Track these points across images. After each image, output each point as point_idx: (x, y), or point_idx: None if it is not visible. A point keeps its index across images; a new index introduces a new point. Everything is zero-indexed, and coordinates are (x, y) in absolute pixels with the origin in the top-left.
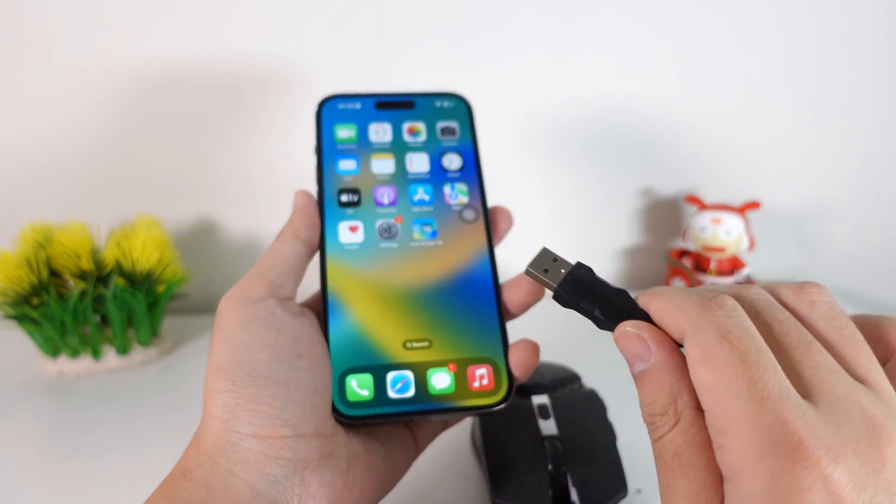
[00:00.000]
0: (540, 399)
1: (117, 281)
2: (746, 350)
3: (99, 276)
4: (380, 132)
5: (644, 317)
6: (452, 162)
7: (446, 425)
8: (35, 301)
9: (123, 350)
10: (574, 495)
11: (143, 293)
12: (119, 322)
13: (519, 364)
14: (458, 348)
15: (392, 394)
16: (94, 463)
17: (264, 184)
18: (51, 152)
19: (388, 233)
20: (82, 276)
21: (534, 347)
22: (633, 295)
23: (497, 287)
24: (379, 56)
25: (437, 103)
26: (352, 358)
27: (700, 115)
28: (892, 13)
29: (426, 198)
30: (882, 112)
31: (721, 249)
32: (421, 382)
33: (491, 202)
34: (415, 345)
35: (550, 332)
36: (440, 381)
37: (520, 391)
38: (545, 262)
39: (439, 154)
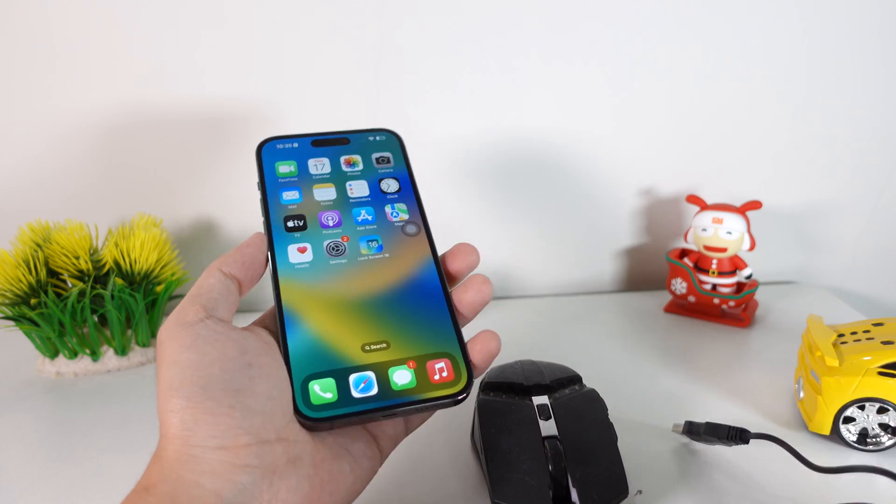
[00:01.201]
0: (540, 399)
1: (116, 281)
2: None
3: (97, 276)
4: (318, 165)
5: None
6: (390, 186)
7: (408, 430)
8: (33, 301)
9: (122, 351)
10: (574, 496)
11: (141, 293)
12: (117, 322)
13: (481, 352)
14: (415, 346)
15: (356, 393)
16: (93, 463)
17: None
18: (49, 152)
19: (336, 250)
20: (80, 276)
21: (493, 335)
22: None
23: (446, 289)
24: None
25: (370, 137)
26: (312, 365)
27: (701, 115)
28: (892, 14)
29: (369, 217)
30: (883, 113)
31: (722, 249)
32: (383, 380)
33: (493, 201)
34: (373, 347)
35: (551, 333)
36: (401, 377)
37: (520, 391)
38: None
39: (377, 180)
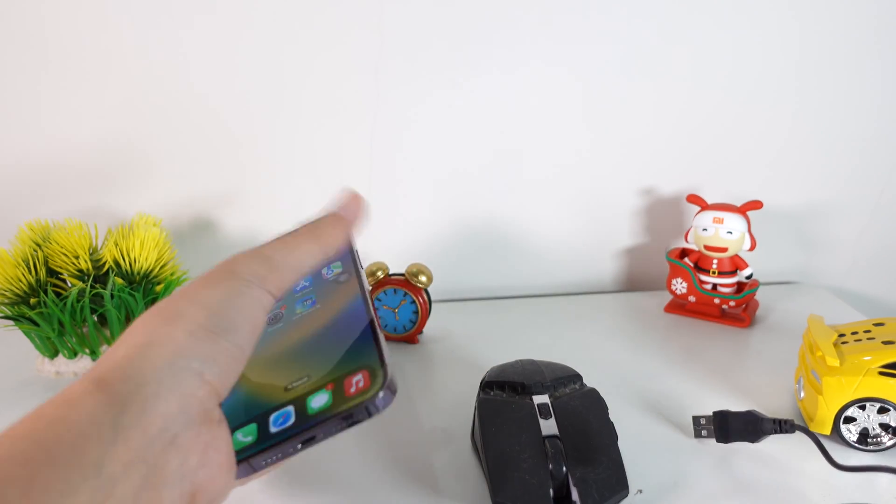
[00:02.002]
0: (541, 398)
1: (115, 280)
2: None
3: (97, 275)
4: None
5: None
6: None
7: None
8: (33, 301)
9: None
10: (575, 495)
11: (141, 293)
12: (117, 322)
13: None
14: (335, 370)
15: (273, 428)
16: None
17: (264, 183)
18: (49, 151)
19: (274, 320)
20: (80, 275)
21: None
22: None
23: (369, 311)
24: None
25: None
26: (237, 418)
27: (701, 115)
28: (891, 14)
29: (306, 284)
30: (883, 113)
31: (723, 249)
32: (301, 409)
33: (493, 201)
34: (295, 384)
35: (551, 333)
36: (318, 400)
37: (521, 390)
38: None
39: None
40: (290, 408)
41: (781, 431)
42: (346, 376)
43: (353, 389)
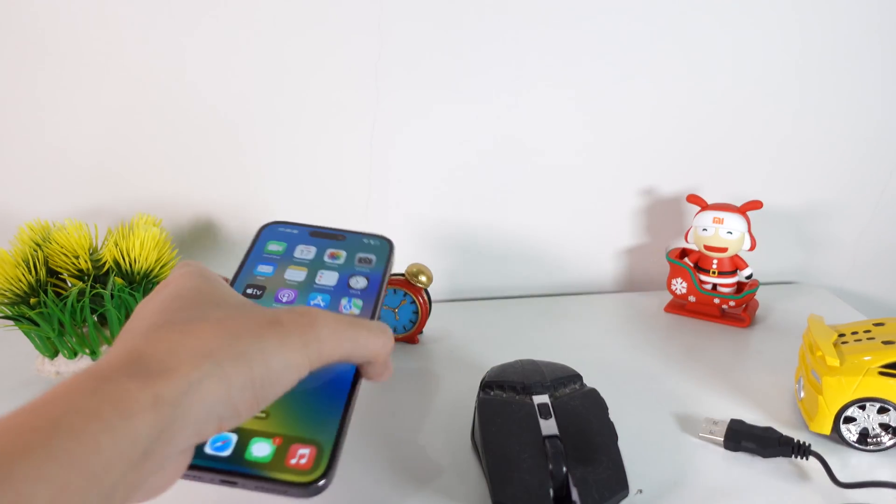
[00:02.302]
0: (541, 398)
1: (115, 280)
2: None
3: (97, 275)
4: (304, 251)
5: None
6: (358, 282)
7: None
8: (33, 301)
9: None
10: (575, 495)
11: (141, 293)
12: (117, 322)
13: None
14: (290, 426)
15: (208, 450)
16: None
17: (264, 183)
18: (48, 152)
19: None
20: (80, 275)
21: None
22: None
23: (354, 385)
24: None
25: (365, 240)
26: None
27: (701, 115)
28: (892, 14)
29: (321, 304)
30: (883, 113)
31: (723, 249)
32: (241, 446)
33: (492, 200)
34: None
35: (551, 333)
36: (259, 449)
37: (521, 390)
38: None
39: (349, 275)
40: (233, 437)
41: (796, 455)
42: (296, 441)
43: (293, 461)
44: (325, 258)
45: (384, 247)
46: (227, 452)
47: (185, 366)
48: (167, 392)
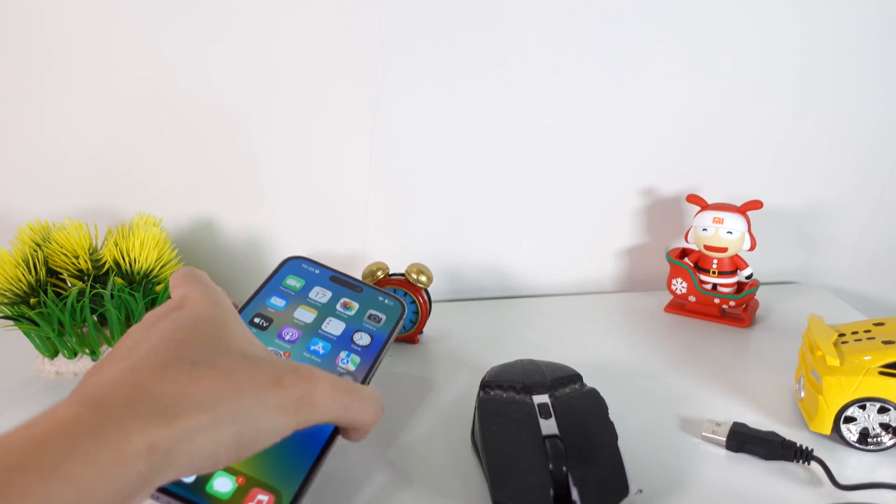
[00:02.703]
0: (541, 398)
1: (115, 280)
2: None
3: (97, 275)
4: (320, 294)
5: None
6: (362, 338)
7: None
8: (33, 301)
9: None
10: (575, 495)
11: (141, 292)
12: (117, 322)
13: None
14: (256, 469)
15: None
16: None
17: (263, 183)
18: (48, 151)
19: None
20: (80, 275)
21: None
22: None
23: (328, 444)
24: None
25: (381, 297)
26: None
27: (701, 115)
28: (892, 13)
29: (320, 351)
30: (883, 113)
31: (723, 249)
32: (204, 477)
33: (492, 200)
34: None
35: (551, 333)
36: (222, 484)
37: (521, 390)
38: None
39: (355, 329)
40: None
41: (798, 460)
42: (258, 485)
43: None
44: (338, 306)
45: (396, 309)
46: (189, 479)
47: (185, 417)
48: (163, 441)
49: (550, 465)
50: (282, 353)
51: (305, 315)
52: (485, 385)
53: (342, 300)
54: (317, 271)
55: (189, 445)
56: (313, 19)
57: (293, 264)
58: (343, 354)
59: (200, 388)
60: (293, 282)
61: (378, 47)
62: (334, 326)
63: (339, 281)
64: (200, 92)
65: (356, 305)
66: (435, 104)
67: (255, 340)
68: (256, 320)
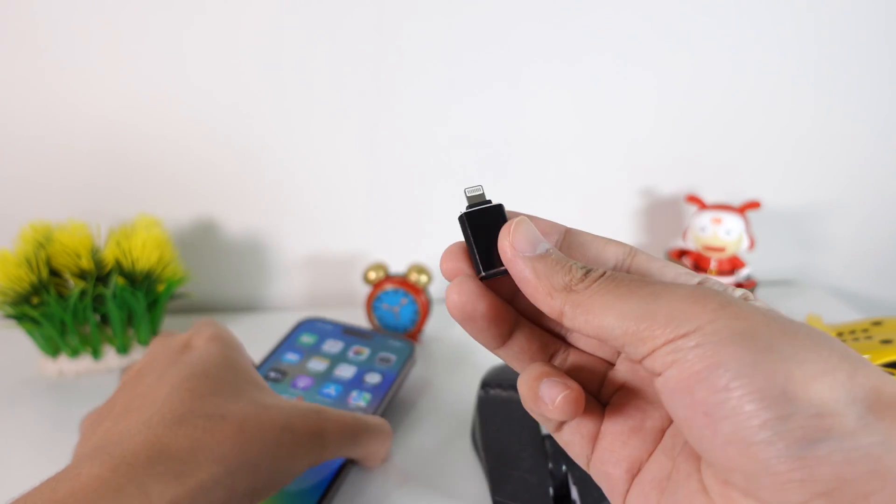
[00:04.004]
0: None
1: (117, 280)
2: None
3: (99, 275)
4: (332, 345)
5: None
6: (373, 378)
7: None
8: (35, 300)
9: (123, 349)
10: (574, 493)
11: (142, 292)
12: (119, 321)
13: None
14: None
15: None
16: None
17: (264, 183)
18: (51, 152)
19: None
20: (82, 275)
21: None
22: None
23: (336, 478)
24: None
25: (391, 341)
26: None
27: (700, 115)
28: (892, 14)
29: (332, 393)
30: (883, 113)
31: (721, 249)
32: None
33: (492, 200)
34: None
35: None
36: None
37: None
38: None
39: (366, 371)
40: None
41: None
42: None
43: None
44: (349, 353)
45: (405, 349)
46: None
47: (201, 472)
48: (181, 498)
49: (550, 464)
50: (296, 398)
51: (318, 364)
52: (485, 384)
53: (353, 348)
54: (329, 327)
55: (205, 499)
56: (313, 20)
57: (308, 324)
58: (354, 393)
59: (214, 442)
60: (307, 338)
61: (378, 46)
62: (345, 370)
63: (351, 332)
64: (201, 92)
65: (367, 350)
66: (435, 104)
67: (263, 383)
68: (272, 374)
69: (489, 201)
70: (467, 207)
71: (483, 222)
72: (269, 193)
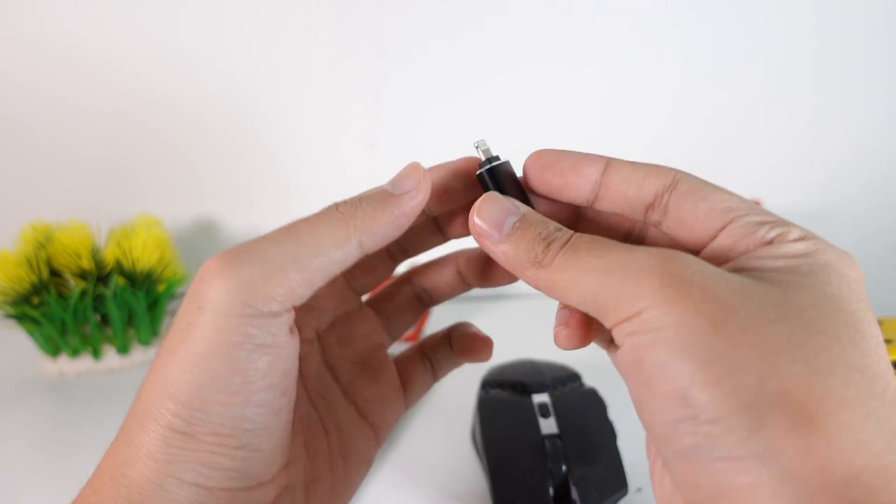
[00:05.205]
0: (540, 397)
1: (118, 280)
2: None
3: (99, 275)
4: None
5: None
6: None
7: (407, 405)
8: (35, 300)
9: (124, 349)
10: (574, 494)
11: (143, 292)
12: (119, 321)
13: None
14: None
15: None
16: (95, 462)
17: (264, 183)
18: (52, 152)
19: None
20: (83, 275)
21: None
22: None
23: None
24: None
25: None
26: None
27: (700, 116)
28: (892, 14)
29: None
30: (882, 112)
31: None
32: None
33: None
34: None
35: (551, 333)
36: None
37: (521, 390)
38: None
39: None
40: None
41: None
42: None
43: None
44: None
45: None
46: None
47: None
48: None
49: (550, 464)
50: None
51: None
52: (485, 385)
53: None
54: None
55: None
56: (313, 20)
57: None
58: None
59: None
60: None
61: (379, 46)
62: None
63: None
64: (202, 93)
65: None
66: (435, 106)
67: None
68: None
69: (497, 157)
70: (482, 164)
71: (499, 180)
72: (270, 194)
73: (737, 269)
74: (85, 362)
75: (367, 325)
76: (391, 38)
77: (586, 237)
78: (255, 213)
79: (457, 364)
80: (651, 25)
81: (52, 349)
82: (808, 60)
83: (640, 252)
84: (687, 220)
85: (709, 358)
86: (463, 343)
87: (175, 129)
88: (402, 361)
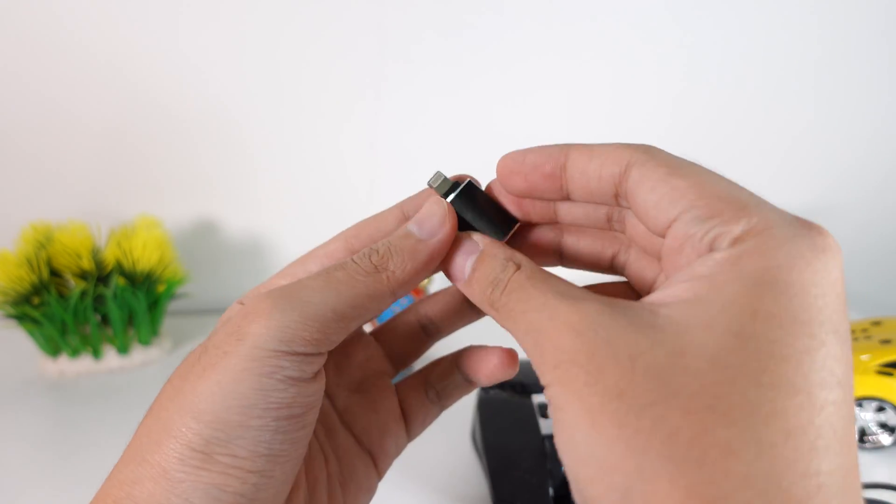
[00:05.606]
0: (540, 398)
1: (118, 280)
2: None
3: (100, 275)
4: None
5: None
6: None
7: (410, 437)
8: (36, 300)
9: (124, 350)
10: None
11: (143, 293)
12: (120, 321)
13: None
14: None
15: None
16: (95, 462)
17: (264, 184)
18: (52, 153)
19: None
20: (83, 275)
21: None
22: None
23: None
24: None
25: None
26: None
27: (700, 116)
28: (892, 14)
29: None
30: (882, 112)
31: None
32: None
33: None
34: None
35: None
36: None
37: (520, 390)
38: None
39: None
40: None
41: None
42: None
43: None
44: None
45: None
46: None
47: None
48: None
49: (550, 465)
50: None
51: None
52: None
53: None
54: None
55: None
56: (313, 20)
57: None
58: None
59: None
60: None
61: (378, 46)
62: None
63: None
64: (202, 93)
65: None
66: (435, 106)
67: None
68: None
69: (455, 185)
70: (445, 195)
71: (469, 202)
72: (270, 194)
73: (662, 301)
74: (85, 362)
75: (365, 353)
76: (391, 38)
77: (523, 276)
78: (254, 214)
79: (467, 390)
80: (651, 25)
81: (53, 349)
82: (809, 60)
83: (558, 312)
84: (641, 212)
85: (584, 457)
86: (484, 362)
87: (175, 130)
88: (402, 390)
